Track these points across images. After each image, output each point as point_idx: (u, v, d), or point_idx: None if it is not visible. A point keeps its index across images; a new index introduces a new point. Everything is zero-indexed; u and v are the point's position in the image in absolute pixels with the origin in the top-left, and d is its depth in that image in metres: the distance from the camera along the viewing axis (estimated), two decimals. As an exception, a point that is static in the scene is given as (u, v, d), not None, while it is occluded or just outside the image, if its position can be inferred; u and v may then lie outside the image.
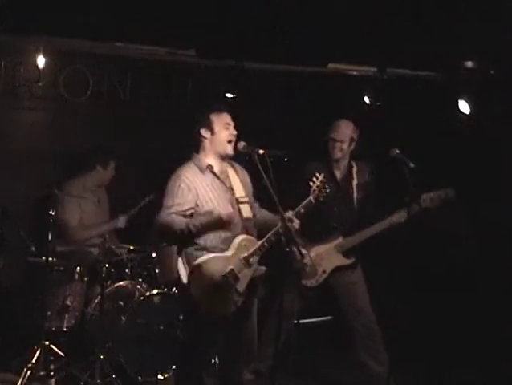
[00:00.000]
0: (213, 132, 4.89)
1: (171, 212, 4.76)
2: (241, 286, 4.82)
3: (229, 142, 4.90)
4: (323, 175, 4.92)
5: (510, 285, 6.33)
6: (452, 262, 6.70)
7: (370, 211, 5.79)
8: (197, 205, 4.81)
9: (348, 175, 5.87)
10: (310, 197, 4.88)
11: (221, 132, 4.89)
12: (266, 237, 4.83)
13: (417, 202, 5.37)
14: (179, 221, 4.75)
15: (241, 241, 4.84)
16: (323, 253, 5.78)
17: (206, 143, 4.92)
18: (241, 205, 4.93)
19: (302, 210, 4.85)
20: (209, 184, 4.88)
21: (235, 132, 4.90)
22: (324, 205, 5.75)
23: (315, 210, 5.73)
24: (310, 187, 4.90)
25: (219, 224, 4.76)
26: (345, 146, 5.80)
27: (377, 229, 5.69)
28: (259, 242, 4.84)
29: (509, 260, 6.32)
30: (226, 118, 4.92)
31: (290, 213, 4.78)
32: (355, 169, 5.88)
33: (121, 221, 6.58)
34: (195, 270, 4.78)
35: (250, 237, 4.88)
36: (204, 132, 4.90)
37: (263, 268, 4.89)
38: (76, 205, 6.43)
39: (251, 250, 4.83)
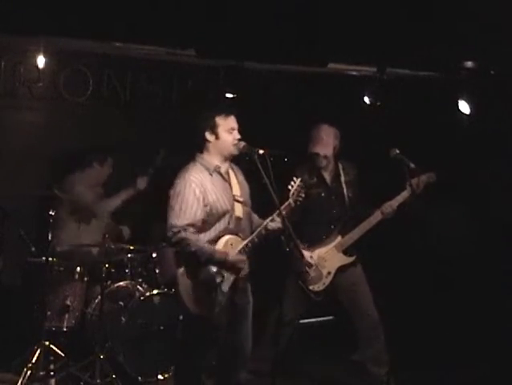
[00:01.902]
0: (217, 137, 4.88)
1: (186, 224, 4.74)
2: (225, 286, 4.83)
3: (234, 144, 4.91)
4: (299, 179, 4.93)
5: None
6: (452, 262, 6.70)
7: (362, 209, 5.79)
8: (205, 205, 4.82)
9: (336, 174, 5.89)
10: (290, 200, 4.89)
11: (226, 137, 4.88)
12: (250, 238, 4.85)
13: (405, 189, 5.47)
14: (198, 242, 4.76)
15: (227, 240, 4.85)
16: (325, 255, 5.79)
17: (210, 145, 4.92)
18: (235, 203, 4.94)
19: (284, 212, 4.82)
20: (217, 184, 4.88)
21: (239, 136, 4.89)
22: (321, 209, 5.80)
23: (313, 215, 5.78)
24: (289, 190, 4.90)
25: (226, 265, 4.79)
26: (329, 154, 5.81)
27: (373, 222, 5.70)
28: (244, 242, 4.86)
29: (510, 259, 6.32)
30: (232, 122, 4.90)
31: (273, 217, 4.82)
32: (341, 167, 5.90)
33: (141, 183, 6.54)
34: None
35: (236, 237, 4.88)
36: (208, 136, 4.89)
37: (246, 269, 4.90)
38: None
39: (236, 250, 4.84)
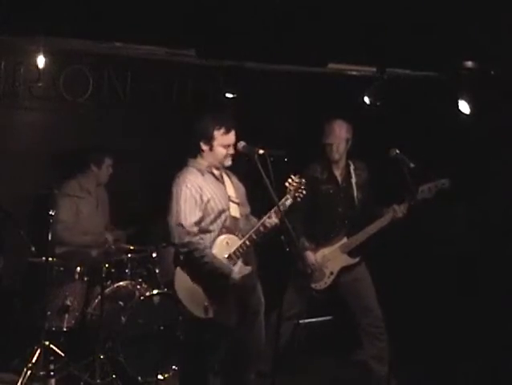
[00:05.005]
0: (211, 149, 4.89)
1: (189, 225, 4.75)
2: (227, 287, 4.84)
3: (227, 158, 4.91)
4: (298, 175, 4.92)
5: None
6: (452, 261, 6.70)
7: (370, 210, 5.83)
8: (202, 204, 4.82)
9: (347, 174, 5.91)
10: (288, 196, 4.87)
11: (220, 151, 4.89)
12: (248, 235, 4.86)
13: (416, 195, 5.44)
14: (206, 250, 4.78)
15: (223, 239, 4.86)
16: (329, 255, 5.82)
17: (203, 154, 4.93)
18: (230, 204, 4.95)
19: (281, 207, 4.80)
20: (210, 184, 4.91)
21: (233, 152, 4.89)
22: (329, 207, 5.82)
23: (320, 212, 5.80)
24: (286, 187, 4.90)
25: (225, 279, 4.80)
26: (341, 147, 5.86)
27: (379, 226, 5.74)
28: (241, 241, 4.85)
29: (510, 258, 6.32)
30: (229, 139, 4.89)
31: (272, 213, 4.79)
32: (352, 168, 5.94)
33: (109, 238, 6.45)
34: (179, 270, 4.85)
35: (233, 236, 4.89)
36: (203, 146, 4.90)
37: (248, 268, 4.91)
38: (73, 206, 6.40)
39: (233, 249, 4.84)
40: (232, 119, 4.99)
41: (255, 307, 5.01)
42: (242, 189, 5.11)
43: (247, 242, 4.84)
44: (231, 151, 4.89)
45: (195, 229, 4.77)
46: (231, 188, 5.02)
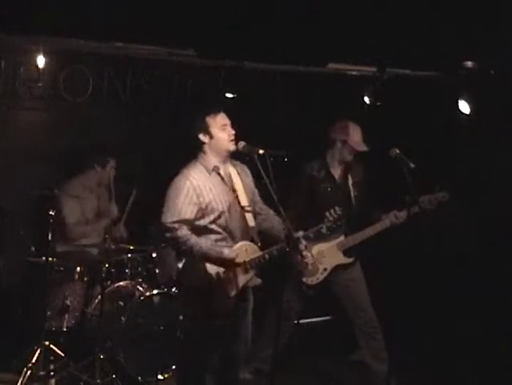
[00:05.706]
0: (211, 136, 4.87)
1: (177, 221, 4.73)
2: (231, 290, 4.83)
3: (230, 141, 4.90)
4: (341, 209, 4.96)
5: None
6: (452, 258, 6.71)
7: (369, 210, 5.84)
8: (200, 204, 4.81)
9: (344, 173, 5.92)
10: (323, 225, 4.93)
11: (220, 135, 4.87)
12: (268, 250, 4.84)
13: (417, 203, 5.43)
14: (190, 240, 4.75)
15: (242, 245, 4.85)
16: (325, 251, 5.82)
17: (206, 147, 4.91)
18: (246, 214, 4.93)
19: (311, 235, 4.89)
20: (215, 185, 4.87)
21: (233, 132, 4.89)
22: (326, 204, 5.81)
23: (318, 210, 5.80)
24: (326, 217, 4.93)
25: (223, 262, 4.77)
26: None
27: (378, 229, 5.76)
28: (260, 253, 4.86)
29: (509, 256, 6.32)
30: (222, 119, 4.89)
31: (300, 234, 4.77)
32: (349, 167, 5.92)
33: (113, 210, 6.50)
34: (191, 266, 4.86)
35: (253, 245, 4.88)
36: (202, 137, 4.89)
37: (259, 280, 4.90)
38: (76, 204, 6.42)
39: (250, 257, 4.84)
40: (219, 104, 5.02)
41: (245, 306, 5.00)
42: (252, 184, 5.08)
43: (266, 256, 4.85)
44: (231, 131, 4.88)
45: (184, 227, 4.75)
46: (243, 193, 4.95)
